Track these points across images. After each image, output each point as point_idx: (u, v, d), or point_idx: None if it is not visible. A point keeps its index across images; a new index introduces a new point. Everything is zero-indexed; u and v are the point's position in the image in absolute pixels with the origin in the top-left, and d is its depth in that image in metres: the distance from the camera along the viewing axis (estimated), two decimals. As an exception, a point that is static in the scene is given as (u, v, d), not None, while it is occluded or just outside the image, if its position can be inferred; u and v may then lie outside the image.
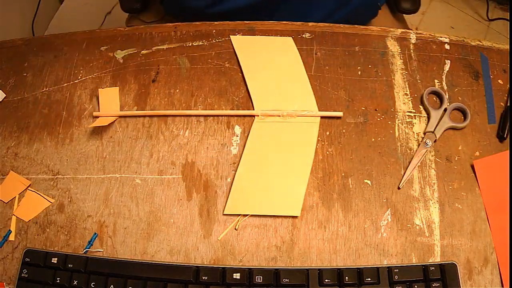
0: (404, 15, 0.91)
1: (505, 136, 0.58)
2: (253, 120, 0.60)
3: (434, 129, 0.59)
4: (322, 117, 0.60)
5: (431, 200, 0.55)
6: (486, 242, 0.53)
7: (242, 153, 0.58)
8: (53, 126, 0.61)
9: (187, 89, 0.63)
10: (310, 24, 0.67)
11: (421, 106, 0.61)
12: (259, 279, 0.50)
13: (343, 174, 0.57)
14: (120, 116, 0.61)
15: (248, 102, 0.61)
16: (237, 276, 0.50)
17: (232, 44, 0.65)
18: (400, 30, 0.66)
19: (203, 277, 0.50)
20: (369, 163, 0.57)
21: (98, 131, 0.60)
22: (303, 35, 0.66)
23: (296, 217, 0.55)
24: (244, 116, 0.61)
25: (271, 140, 0.59)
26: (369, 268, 0.50)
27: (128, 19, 0.94)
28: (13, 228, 0.55)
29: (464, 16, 1.72)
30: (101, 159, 0.58)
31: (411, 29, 0.69)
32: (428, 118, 0.60)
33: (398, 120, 0.60)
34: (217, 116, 0.61)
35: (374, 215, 0.55)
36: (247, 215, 0.55)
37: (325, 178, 0.57)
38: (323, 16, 0.77)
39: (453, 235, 0.54)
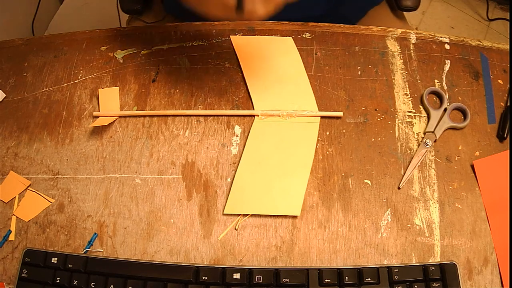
0: (404, 13, 0.91)
1: (505, 136, 0.58)
2: (253, 120, 0.60)
3: (434, 129, 0.59)
4: (322, 117, 0.60)
5: (431, 200, 0.55)
6: (486, 242, 0.53)
7: (242, 153, 0.58)
8: (53, 126, 0.61)
9: (187, 89, 0.63)
10: (310, 24, 0.67)
11: (421, 106, 0.61)
12: (259, 279, 0.50)
13: (343, 174, 0.57)
14: (120, 116, 0.61)
15: (248, 102, 0.61)
16: (237, 276, 0.50)
17: (232, 44, 0.65)
18: (400, 30, 0.66)
19: (203, 277, 0.50)
20: (369, 163, 0.57)
21: (98, 131, 0.60)
22: (303, 35, 0.66)
23: (296, 217, 0.55)
24: (244, 116, 0.61)
25: (271, 140, 0.59)
26: (369, 268, 0.50)
27: (129, 20, 0.93)
28: (13, 228, 0.55)
29: (464, 16, 1.73)
30: (101, 159, 0.58)
31: (411, 29, 0.69)
32: (428, 118, 0.60)
33: (398, 120, 0.60)
34: (217, 116, 0.61)
35: (374, 215, 0.55)
36: (247, 215, 0.55)
37: (325, 178, 0.57)
38: None
39: (453, 235, 0.54)
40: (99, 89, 0.62)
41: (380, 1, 0.87)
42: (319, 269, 0.51)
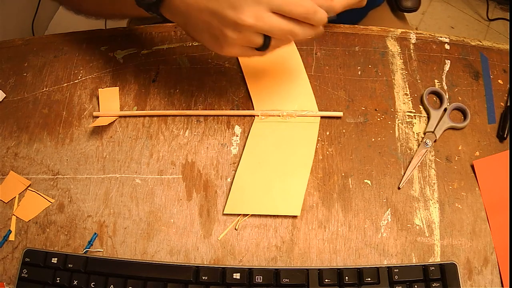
0: (404, 14, 0.91)
1: (505, 136, 0.58)
2: (253, 120, 0.60)
3: (434, 129, 0.59)
4: (322, 117, 0.60)
5: (431, 200, 0.55)
6: (486, 242, 0.53)
7: (242, 153, 0.58)
8: (53, 126, 0.61)
9: (187, 89, 0.63)
10: (310, 24, 0.67)
11: (421, 106, 0.61)
12: (259, 279, 0.50)
13: (343, 174, 0.57)
14: (120, 116, 0.61)
15: (248, 102, 0.61)
16: (237, 276, 0.50)
17: (232, 44, 0.65)
18: (400, 30, 0.66)
19: (203, 277, 0.50)
20: (369, 163, 0.57)
21: (98, 131, 0.60)
22: (303, 35, 0.66)
23: (296, 217, 0.55)
24: (244, 116, 0.61)
25: (271, 140, 0.59)
26: (369, 268, 0.50)
27: (129, 20, 0.93)
28: (13, 228, 0.55)
29: (464, 16, 1.73)
30: (101, 159, 0.58)
31: (411, 29, 0.69)
32: (428, 118, 0.60)
33: (398, 120, 0.60)
34: (217, 116, 0.61)
35: (374, 215, 0.55)
36: (247, 215, 0.55)
37: (325, 178, 0.57)
38: None
39: (453, 235, 0.54)
40: (99, 89, 0.62)
41: (380, 2, 0.87)
42: (319, 269, 0.51)
